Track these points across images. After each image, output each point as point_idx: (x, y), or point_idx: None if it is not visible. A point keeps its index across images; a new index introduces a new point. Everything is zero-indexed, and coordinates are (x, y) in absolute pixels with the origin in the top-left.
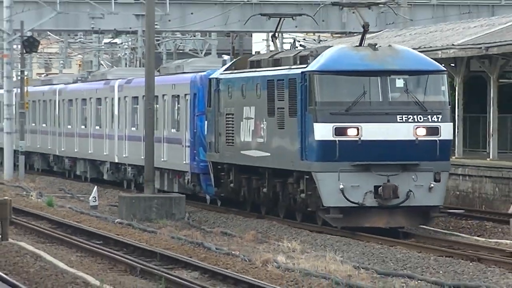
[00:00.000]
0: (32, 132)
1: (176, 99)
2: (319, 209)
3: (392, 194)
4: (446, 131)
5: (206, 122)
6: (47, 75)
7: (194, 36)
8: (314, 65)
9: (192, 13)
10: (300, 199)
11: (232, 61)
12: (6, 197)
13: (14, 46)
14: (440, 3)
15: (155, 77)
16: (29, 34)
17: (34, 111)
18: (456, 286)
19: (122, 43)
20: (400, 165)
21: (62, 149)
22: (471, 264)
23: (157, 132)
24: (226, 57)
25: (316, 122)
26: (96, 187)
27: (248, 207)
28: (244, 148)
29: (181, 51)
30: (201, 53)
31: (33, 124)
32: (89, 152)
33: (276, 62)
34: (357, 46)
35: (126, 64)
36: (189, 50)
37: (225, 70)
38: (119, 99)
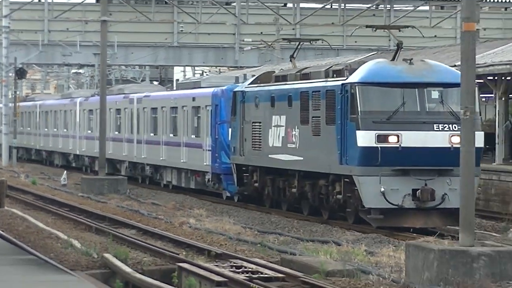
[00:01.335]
0: (54, 136)
1: (196, 110)
2: (359, 209)
3: (430, 197)
4: (478, 139)
5: (230, 129)
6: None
7: (134, 68)
8: (355, 77)
9: (132, 53)
10: (334, 199)
11: (255, 77)
12: (3, 178)
13: (10, 74)
14: (302, 46)
15: (176, 91)
16: (20, 66)
17: (55, 119)
18: (311, 240)
19: (84, 73)
20: (436, 170)
21: (83, 149)
22: (322, 225)
23: (176, 137)
24: (238, 74)
25: (359, 129)
26: (66, 171)
27: (268, 204)
28: (272, 152)
29: (124, 78)
30: (139, 80)
31: (55, 130)
32: (109, 152)
33: (305, 76)
34: (392, 60)
35: (87, 87)
36: (131, 77)
37: (250, 84)
38: (137, 110)
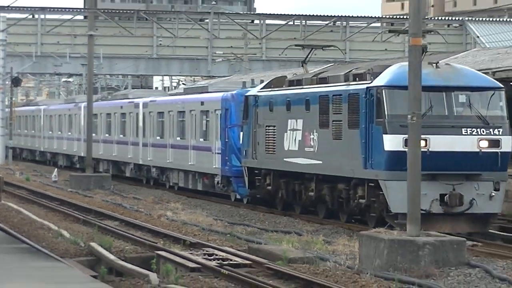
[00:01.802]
0: (59, 138)
1: (205, 114)
2: (386, 214)
3: (458, 202)
4: (506, 143)
5: (241, 133)
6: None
7: (117, 77)
8: (381, 81)
9: (116, 63)
10: (355, 203)
11: (268, 81)
12: (0, 175)
13: (6, 82)
14: (267, 58)
15: (184, 96)
16: (15, 75)
17: (60, 122)
18: (275, 231)
19: (73, 81)
20: (464, 174)
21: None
22: (285, 217)
23: (184, 141)
24: (246, 79)
25: (386, 133)
26: (56, 169)
27: (280, 207)
28: (288, 156)
29: (109, 86)
30: (122, 88)
31: (60, 133)
32: (113, 154)
33: (323, 81)
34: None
35: (75, 94)
36: (115, 85)
37: (262, 88)
38: (143, 114)
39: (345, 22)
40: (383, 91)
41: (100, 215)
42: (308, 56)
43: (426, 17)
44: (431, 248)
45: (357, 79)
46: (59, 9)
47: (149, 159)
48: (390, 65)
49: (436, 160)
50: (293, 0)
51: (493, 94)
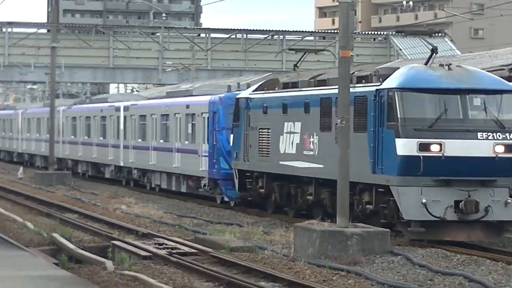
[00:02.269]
0: (37, 140)
1: (191, 117)
2: (397, 221)
3: (473, 209)
4: None
5: (231, 135)
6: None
7: (77, 85)
8: (392, 83)
9: (76, 72)
10: (360, 209)
11: (260, 84)
12: None
13: None
14: (212, 68)
15: (167, 99)
16: None
17: (38, 125)
18: (219, 222)
19: (37, 88)
20: (479, 180)
21: (66, 153)
22: (228, 210)
23: (168, 143)
24: (231, 83)
25: (399, 137)
26: (22, 167)
27: (271, 210)
28: (284, 159)
29: (70, 93)
30: (81, 94)
31: (38, 135)
32: (93, 156)
33: (322, 83)
34: (430, 65)
35: (39, 100)
36: (75, 92)
37: (254, 91)
38: (125, 117)
39: (282, 36)
40: (395, 93)
41: (61, 208)
42: (301, 60)
43: (354, 31)
44: (359, 238)
45: (363, 81)
46: (25, 24)
47: (130, 161)
48: (397, 67)
49: (451, 165)
50: (235, 16)
51: (508, 97)
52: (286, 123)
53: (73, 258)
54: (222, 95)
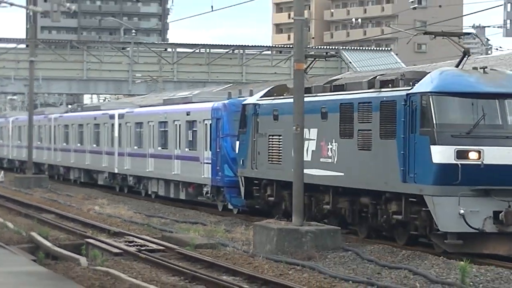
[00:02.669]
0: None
1: (191, 124)
2: (431, 233)
3: None
4: None
5: (237, 142)
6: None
7: (54, 95)
8: (427, 86)
9: (53, 84)
10: (385, 219)
11: (267, 90)
12: None
13: None
14: (178, 80)
15: (166, 106)
16: None
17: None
18: (184, 222)
19: (17, 99)
20: None
21: (58, 160)
22: (192, 210)
23: (166, 150)
24: (231, 90)
25: (435, 144)
26: (2, 171)
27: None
28: None
29: (47, 103)
30: (58, 104)
31: (39, 143)
32: (86, 163)
33: (339, 88)
34: (462, 69)
35: (19, 109)
36: (51, 102)
37: (262, 97)
38: (119, 124)
39: (242, 50)
40: (430, 98)
41: (39, 209)
42: (310, 66)
43: (308, 46)
44: (312, 236)
45: (389, 85)
46: (5, 39)
47: (125, 168)
48: (424, 71)
49: (491, 174)
50: (199, 32)
51: None
52: None
53: (49, 255)
54: (226, 102)
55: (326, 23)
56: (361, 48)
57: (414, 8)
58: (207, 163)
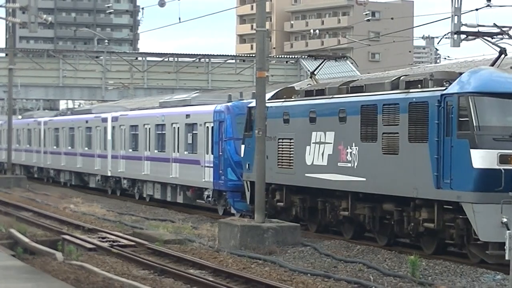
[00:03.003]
0: (17, 150)
1: (191, 126)
2: (470, 243)
3: None
4: None
5: (242, 145)
6: None
7: (32, 101)
8: (464, 87)
9: (31, 90)
10: (413, 226)
11: (275, 92)
12: None
13: None
14: (148, 87)
15: (163, 109)
16: None
17: (17, 136)
18: (154, 219)
19: None
20: None
21: (48, 163)
22: (161, 208)
23: (164, 153)
24: (231, 92)
25: (475, 148)
26: None
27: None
28: (311, 171)
29: (26, 108)
30: (35, 109)
31: (17, 145)
32: (78, 166)
33: (357, 89)
34: (499, 68)
35: None
36: (29, 107)
37: (269, 99)
38: (113, 127)
39: (208, 59)
40: (471, 99)
41: (18, 207)
42: (319, 68)
43: (270, 55)
44: (273, 232)
45: (419, 86)
46: None
47: (119, 171)
48: (455, 72)
49: None
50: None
51: None
52: (314, 133)
53: (28, 250)
54: (229, 104)
55: (286, 34)
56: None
57: (368, 20)
58: (208, 166)
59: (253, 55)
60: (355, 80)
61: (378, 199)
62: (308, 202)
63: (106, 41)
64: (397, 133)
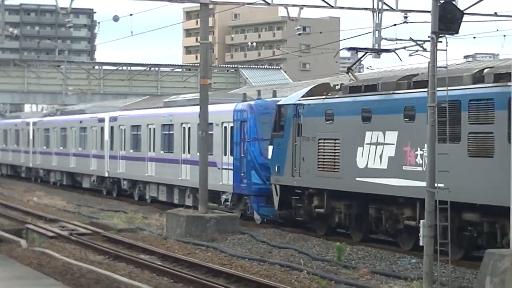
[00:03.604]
0: (4, 150)
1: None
2: None
3: None
4: None
5: (270, 147)
6: None
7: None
8: None
9: None
10: (506, 240)
11: (309, 88)
12: None
13: None
14: (104, 92)
15: (170, 109)
16: None
17: (5, 136)
18: (109, 210)
19: None
20: None
21: (37, 163)
22: (115, 201)
23: (172, 154)
24: (246, 91)
25: None
26: None
27: (322, 231)
28: (365, 175)
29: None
30: (3, 112)
31: (4, 145)
32: (71, 166)
33: (420, 84)
34: None
35: None
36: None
37: (304, 96)
38: (111, 127)
39: (157, 68)
40: None
41: None
42: (361, 59)
43: (213, 65)
44: (215, 221)
45: (500, 80)
46: None
47: (119, 171)
48: None
49: None
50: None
51: None
52: (368, 133)
53: None
54: (252, 103)
55: (227, 46)
56: (256, 66)
57: (300, 34)
58: (226, 168)
59: (198, 65)
60: (415, 75)
61: (456, 208)
62: (355, 209)
63: (67, 51)
64: (491, 132)
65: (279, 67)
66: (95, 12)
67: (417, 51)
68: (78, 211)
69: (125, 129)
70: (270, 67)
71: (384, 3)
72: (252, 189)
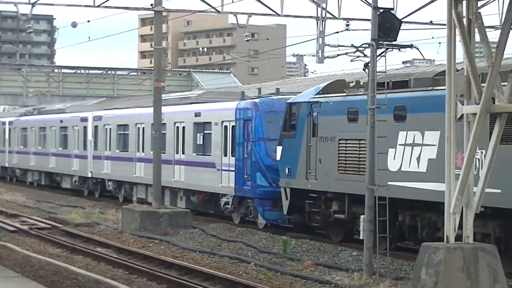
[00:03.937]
0: None
1: (202, 126)
2: None
3: None
4: None
5: (279, 147)
6: None
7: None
8: None
9: None
10: None
11: (324, 85)
12: None
13: None
14: (63, 94)
15: (164, 107)
16: None
17: None
18: (68, 206)
19: None
20: None
21: (14, 162)
22: (74, 197)
23: (163, 155)
24: (244, 88)
25: None
26: None
27: (339, 238)
28: (399, 179)
29: None
30: None
31: None
32: (50, 166)
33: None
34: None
35: None
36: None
37: (318, 94)
38: (95, 127)
39: (114, 71)
40: None
41: None
42: (382, 54)
43: (166, 69)
44: (168, 216)
45: None
46: None
47: (103, 172)
48: None
49: None
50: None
51: None
52: (402, 133)
53: None
54: (257, 100)
55: (180, 51)
56: (207, 71)
57: (248, 40)
58: (226, 170)
59: (152, 69)
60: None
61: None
62: (382, 215)
63: (27, 55)
64: None
65: (229, 71)
66: (54, 18)
67: (358, 57)
68: (38, 207)
69: (110, 129)
70: (220, 71)
71: (327, 11)
72: (256, 191)
